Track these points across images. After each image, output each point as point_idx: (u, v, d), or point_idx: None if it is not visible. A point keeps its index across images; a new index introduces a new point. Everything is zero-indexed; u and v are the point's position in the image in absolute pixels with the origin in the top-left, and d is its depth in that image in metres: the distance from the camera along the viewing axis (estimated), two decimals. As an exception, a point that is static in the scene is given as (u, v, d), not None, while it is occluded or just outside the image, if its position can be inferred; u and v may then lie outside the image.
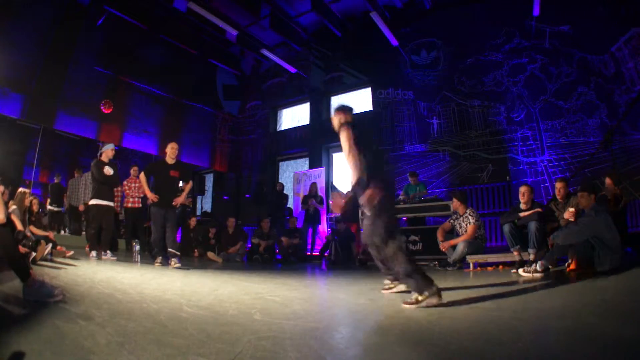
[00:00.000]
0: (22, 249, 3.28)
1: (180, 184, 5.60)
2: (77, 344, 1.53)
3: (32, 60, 7.87)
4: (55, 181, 8.04)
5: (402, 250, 2.44)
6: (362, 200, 2.55)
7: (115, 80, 9.36)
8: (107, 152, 5.31)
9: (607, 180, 4.34)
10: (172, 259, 4.69)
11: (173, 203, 4.89)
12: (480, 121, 7.83)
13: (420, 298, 2.28)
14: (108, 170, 5.20)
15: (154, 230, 4.84)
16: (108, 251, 5.10)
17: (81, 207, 7.27)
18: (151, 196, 4.76)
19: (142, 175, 4.98)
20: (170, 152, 4.97)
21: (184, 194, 5.13)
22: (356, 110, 9.92)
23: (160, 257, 4.79)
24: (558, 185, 4.53)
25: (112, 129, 9.49)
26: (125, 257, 5.56)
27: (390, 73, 9.12)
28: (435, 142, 8.28)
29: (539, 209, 4.28)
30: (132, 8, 8.51)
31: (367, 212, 2.57)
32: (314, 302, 2.71)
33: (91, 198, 5.24)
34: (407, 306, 2.28)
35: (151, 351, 1.45)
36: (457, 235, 4.82)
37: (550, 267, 3.49)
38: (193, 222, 7.40)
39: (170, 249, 4.79)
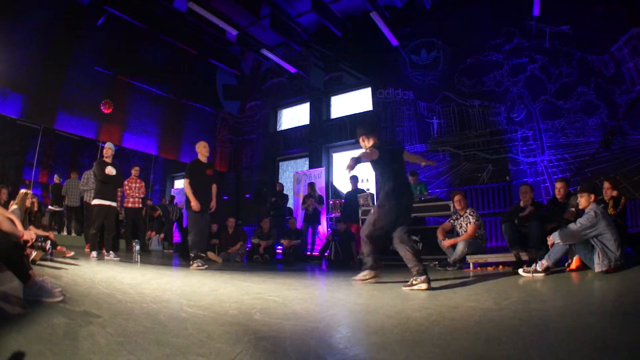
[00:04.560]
0: (28, 251, 3.28)
1: None
2: (77, 344, 1.53)
3: (32, 60, 7.88)
4: (56, 181, 8.04)
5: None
6: None
7: (115, 80, 9.37)
8: (106, 150, 5.30)
9: (606, 185, 4.34)
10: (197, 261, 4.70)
11: (210, 208, 4.87)
12: (480, 121, 7.83)
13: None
14: (110, 170, 5.19)
15: (194, 233, 4.70)
16: (111, 252, 5.08)
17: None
18: (195, 205, 4.63)
19: (187, 182, 4.70)
20: (204, 150, 4.89)
21: (215, 198, 5.03)
22: (356, 110, 10.11)
23: (199, 260, 4.63)
24: (558, 185, 4.53)
25: (112, 129, 9.50)
26: (126, 257, 5.56)
27: (390, 73, 9.12)
28: (435, 142, 8.28)
29: (536, 207, 4.28)
30: (132, 8, 8.51)
31: None
32: (314, 302, 2.71)
33: (93, 198, 5.23)
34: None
35: (151, 351, 1.45)
36: (458, 235, 4.82)
37: (550, 267, 3.49)
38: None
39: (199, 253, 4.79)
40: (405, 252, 3.11)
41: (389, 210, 3.20)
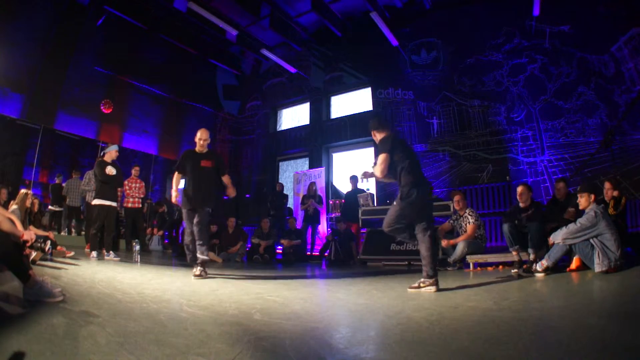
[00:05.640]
0: (28, 251, 3.28)
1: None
2: (77, 344, 1.53)
3: (32, 60, 7.88)
4: (56, 181, 8.05)
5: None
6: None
7: (115, 80, 9.37)
8: (111, 153, 5.32)
9: (607, 185, 4.34)
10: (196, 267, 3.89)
11: (229, 194, 4.20)
12: (480, 121, 7.83)
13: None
14: (110, 170, 5.22)
15: (187, 233, 4.10)
16: (111, 252, 5.09)
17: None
18: (173, 197, 4.18)
19: (176, 175, 4.20)
20: (197, 139, 4.13)
21: (230, 187, 4.26)
22: (356, 110, 10.15)
23: (197, 266, 3.84)
24: (558, 185, 4.53)
25: (112, 129, 9.50)
26: (126, 257, 5.56)
27: (390, 73, 9.11)
28: (435, 142, 8.28)
29: (538, 207, 4.28)
30: (132, 8, 8.51)
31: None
32: (314, 302, 2.71)
33: (94, 198, 5.25)
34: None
35: (151, 351, 1.45)
36: (457, 235, 4.82)
37: (550, 267, 3.49)
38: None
39: (198, 255, 3.91)
40: (423, 251, 3.00)
41: (412, 204, 3.00)
